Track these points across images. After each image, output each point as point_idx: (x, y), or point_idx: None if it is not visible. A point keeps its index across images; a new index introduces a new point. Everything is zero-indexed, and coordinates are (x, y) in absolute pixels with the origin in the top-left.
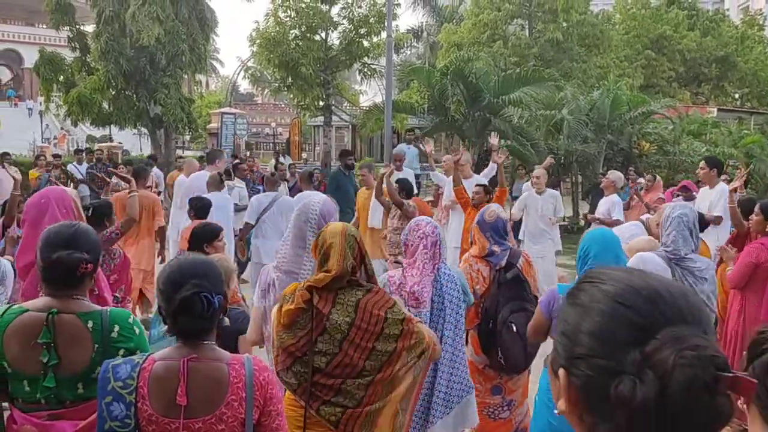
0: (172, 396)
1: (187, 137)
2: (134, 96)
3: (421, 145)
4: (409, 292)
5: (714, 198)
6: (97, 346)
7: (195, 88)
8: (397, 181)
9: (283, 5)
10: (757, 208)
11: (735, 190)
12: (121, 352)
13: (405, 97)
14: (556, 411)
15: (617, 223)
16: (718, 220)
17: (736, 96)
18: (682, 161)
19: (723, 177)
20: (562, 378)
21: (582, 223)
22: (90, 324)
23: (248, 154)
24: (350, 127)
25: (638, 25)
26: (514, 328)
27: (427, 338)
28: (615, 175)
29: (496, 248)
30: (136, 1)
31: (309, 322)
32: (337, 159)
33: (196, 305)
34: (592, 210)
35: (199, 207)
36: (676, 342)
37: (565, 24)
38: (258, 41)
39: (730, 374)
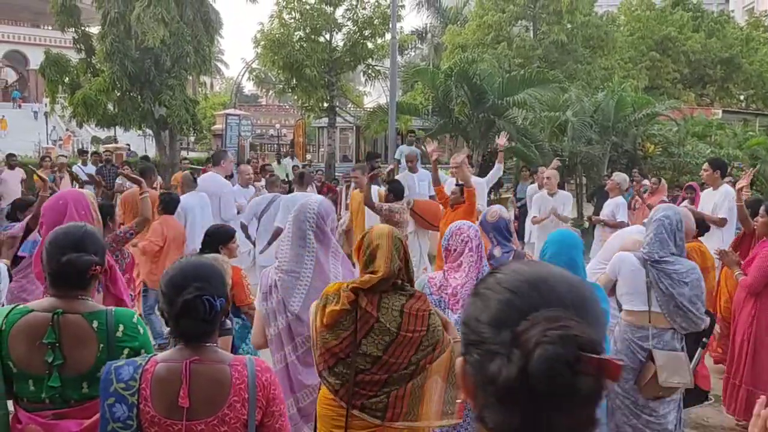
0: (175, 398)
1: (192, 138)
2: (139, 97)
3: (423, 146)
4: (452, 293)
5: (718, 200)
6: (102, 345)
7: (199, 89)
8: (389, 183)
9: (288, 7)
10: (762, 209)
11: (742, 188)
12: (126, 351)
13: (409, 98)
14: (458, 400)
15: (621, 225)
16: (722, 222)
17: (741, 98)
18: (686, 163)
19: (727, 179)
20: (459, 366)
21: (587, 224)
22: (95, 324)
23: (255, 155)
24: (354, 128)
25: (643, 26)
26: None
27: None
28: (619, 177)
29: (496, 251)
30: (141, 2)
31: (353, 323)
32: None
33: (198, 308)
34: (597, 212)
35: (166, 202)
36: (546, 322)
37: (569, 25)
38: (262, 43)
39: (595, 356)
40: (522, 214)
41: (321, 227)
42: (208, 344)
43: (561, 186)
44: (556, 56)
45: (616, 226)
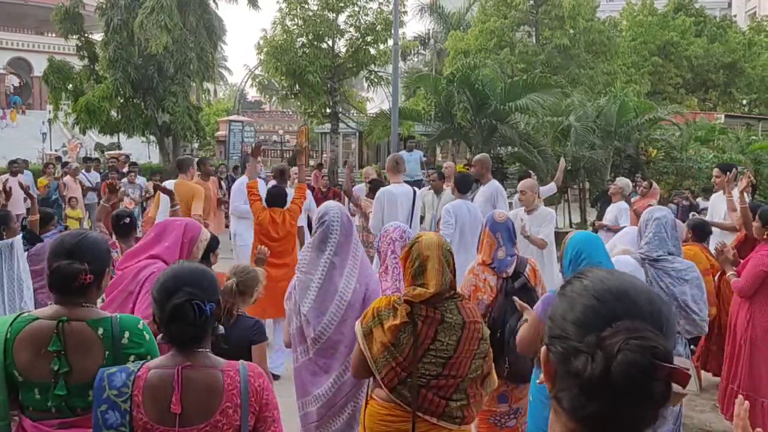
0: (167, 404)
1: (196, 145)
2: (142, 104)
3: (415, 153)
4: None
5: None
6: (107, 352)
7: (203, 96)
8: (370, 182)
9: (290, 13)
10: (757, 216)
11: (743, 191)
12: (132, 357)
13: (412, 104)
14: (537, 381)
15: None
16: (734, 229)
17: (744, 102)
18: (689, 167)
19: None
20: (543, 353)
21: (590, 230)
22: (100, 331)
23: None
24: (357, 134)
25: (645, 31)
26: None
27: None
28: (623, 181)
29: (500, 253)
30: (144, 9)
31: (412, 334)
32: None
33: (188, 313)
34: (600, 217)
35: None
36: (627, 332)
37: (572, 31)
38: (265, 49)
39: (668, 365)
40: None
41: (347, 234)
42: (200, 350)
43: (564, 191)
44: (558, 61)
45: (619, 231)
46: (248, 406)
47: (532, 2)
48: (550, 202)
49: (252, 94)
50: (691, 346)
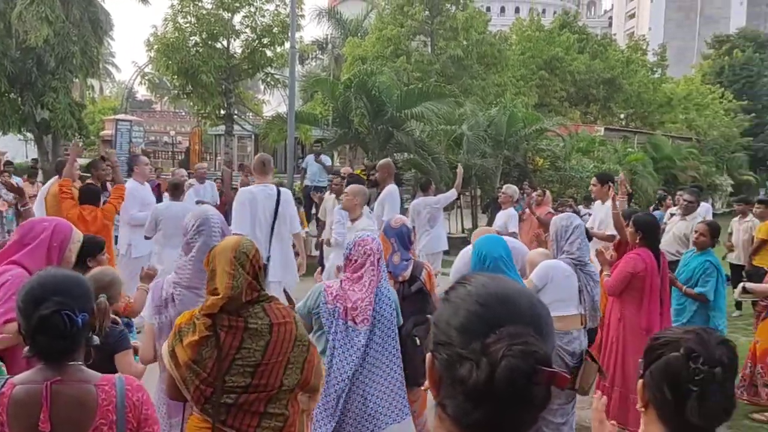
0: (35, 422)
1: (80, 144)
2: (19, 99)
3: (323, 158)
4: (352, 307)
5: (605, 216)
6: None
7: (87, 92)
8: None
9: (183, 11)
10: (630, 222)
11: (615, 197)
12: None
13: (309, 108)
14: (422, 387)
15: (513, 235)
16: (611, 239)
17: (622, 116)
18: (572, 176)
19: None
20: (428, 360)
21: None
22: None
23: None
24: (253, 136)
25: (533, 46)
26: (418, 341)
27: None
28: (511, 189)
29: (395, 258)
30: (24, 0)
31: (214, 348)
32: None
33: (57, 324)
34: (490, 223)
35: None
36: (510, 338)
37: (465, 42)
38: (156, 46)
39: (548, 369)
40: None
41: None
42: (71, 363)
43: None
44: (452, 71)
45: (508, 236)
46: (125, 422)
47: (427, 13)
48: (444, 208)
49: (142, 92)
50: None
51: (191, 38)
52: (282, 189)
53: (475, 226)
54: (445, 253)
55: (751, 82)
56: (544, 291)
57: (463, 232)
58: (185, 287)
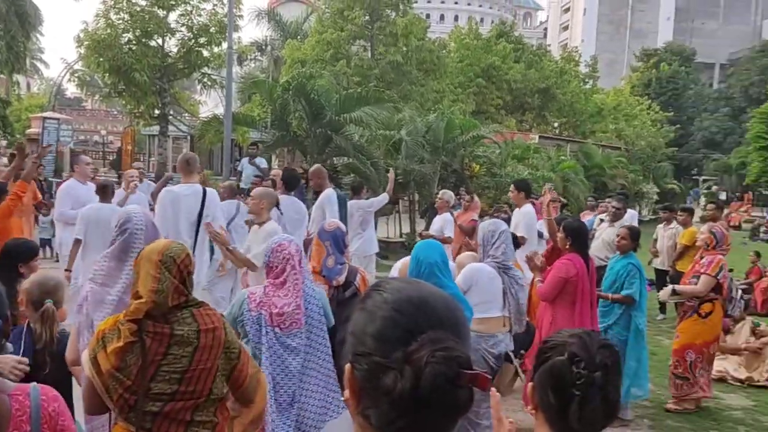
0: None
1: (4, 143)
2: None
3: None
4: (278, 314)
5: (518, 219)
6: None
7: (13, 89)
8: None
9: (116, 6)
10: (561, 227)
11: (549, 203)
12: None
13: (247, 110)
14: (342, 398)
15: (448, 240)
16: (522, 241)
17: (555, 125)
18: (507, 183)
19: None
20: (347, 371)
21: (419, 240)
22: None
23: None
24: (188, 137)
25: (471, 54)
26: None
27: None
28: (447, 194)
29: (329, 261)
30: None
31: (139, 354)
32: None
33: None
34: (428, 227)
35: None
36: (432, 344)
37: (404, 48)
38: (86, 43)
39: (470, 371)
40: None
41: (148, 239)
42: None
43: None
44: (392, 77)
45: (445, 240)
46: None
47: (367, 17)
48: (382, 212)
49: (72, 90)
50: (521, 350)
51: (124, 35)
52: (208, 189)
53: (412, 230)
54: (383, 257)
55: (676, 95)
56: (470, 293)
57: (401, 236)
58: (98, 283)
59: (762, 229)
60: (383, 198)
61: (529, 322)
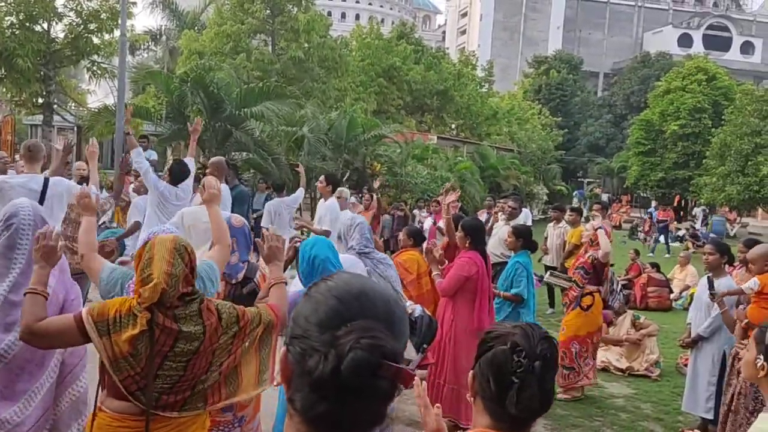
0: None
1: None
2: None
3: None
4: None
5: (322, 213)
6: None
7: None
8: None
9: None
10: (459, 226)
11: (449, 204)
12: None
13: (141, 101)
14: (275, 383)
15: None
16: (326, 234)
17: (453, 126)
18: (408, 182)
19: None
20: (282, 355)
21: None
22: None
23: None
24: (75, 128)
25: (372, 54)
26: None
27: (266, 313)
28: (345, 192)
29: (234, 258)
30: None
31: (148, 343)
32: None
33: None
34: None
35: None
36: (360, 331)
37: (306, 44)
38: None
39: (394, 365)
40: (257, 225)
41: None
42: None
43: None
44: (293, 73)
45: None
46: None
47: (268, 11)
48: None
49: None
50: (424, 345)
51: (6, 19)
52: (52, 180)
53: None
54: None
55: (564, 101)
56: None
57: (302, 234)
58: None
59: (639, 228)
60: (300, 194)
61: (431, 317)
